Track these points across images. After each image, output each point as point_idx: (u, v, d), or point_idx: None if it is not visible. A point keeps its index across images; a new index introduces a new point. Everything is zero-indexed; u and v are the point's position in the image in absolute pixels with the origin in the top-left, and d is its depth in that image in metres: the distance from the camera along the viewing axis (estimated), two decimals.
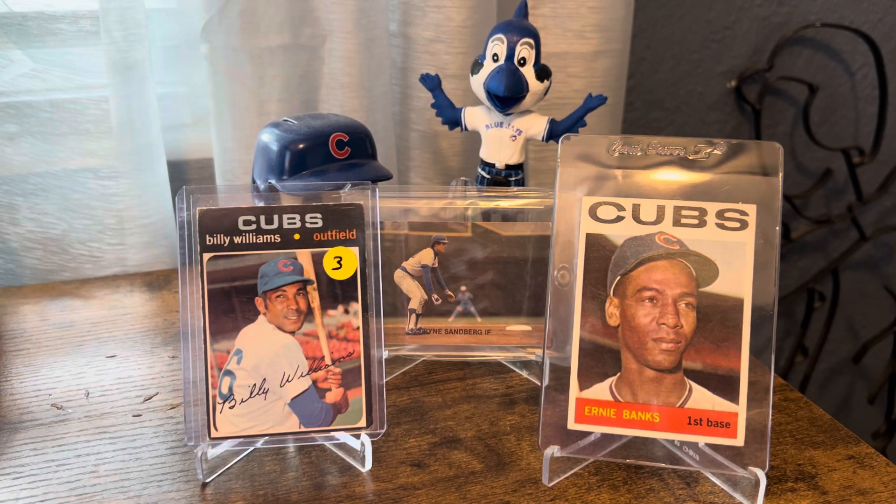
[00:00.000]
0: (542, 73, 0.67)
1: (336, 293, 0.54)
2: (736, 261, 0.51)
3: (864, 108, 1.21)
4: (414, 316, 0.64)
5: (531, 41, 0.66)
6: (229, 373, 0.52)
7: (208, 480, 0.53)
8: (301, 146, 0.63)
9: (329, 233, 0.53)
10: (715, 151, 0.53)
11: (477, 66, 0.68)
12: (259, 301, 0.53)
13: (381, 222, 0.56)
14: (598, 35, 0.87)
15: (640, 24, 1.03)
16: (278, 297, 0.53)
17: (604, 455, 0.54)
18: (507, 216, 0.65)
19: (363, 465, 0.54)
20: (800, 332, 1.31)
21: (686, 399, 0.51)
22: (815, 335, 1.32)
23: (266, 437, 0.54)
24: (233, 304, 0.53)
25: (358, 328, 0.54)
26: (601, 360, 0.52)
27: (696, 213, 0.52)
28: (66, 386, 0.63)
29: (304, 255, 0.53)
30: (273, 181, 0.63)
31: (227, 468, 0.54)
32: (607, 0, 0.86)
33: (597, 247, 0.53)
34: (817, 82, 1.14)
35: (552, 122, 0.69)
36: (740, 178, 0.52)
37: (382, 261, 0.56)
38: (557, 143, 0.55)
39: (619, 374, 0.52)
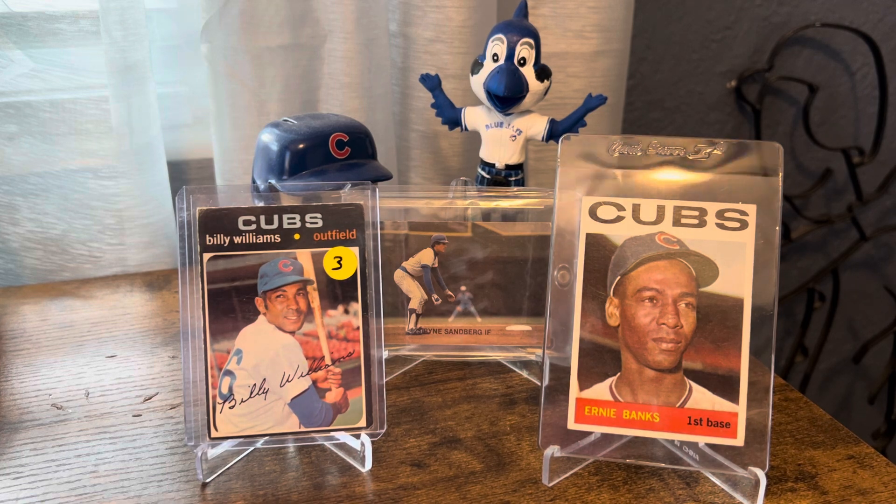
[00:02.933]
0: (542, 73, 0.67)
1: (336, 293, 0.54)
2: (736, 261, 0.51)
3: (864, 108, 1.21)
4: (414, 316, 0.64)
5: (531, 41, 0.66)
6: (229, 373, 0.52)
7: (208, 480, 0.53)
8: (301, 146, 0.63)
9: (329, 233, 0.53)
10: (715, 151, 0.53)
11: (477, 66, 0.68)
12: (259, 301, 0.53)
13: (381, 222, 0.56)
14: (598, 35, 0.87)
15: (640, 24, 1.03)
16: (278, 297, 0.53)
17: (604, 455, 0.54)
18: (507, 216, 0.65)
19: (363, 465, 0.54)
20: (800, 332, 1.31)
21: (686, 399, 0.51)
22: (815, 335, 1.32)
23: (266, 437, 0.54)
24: (233, 304, 0.52)
25: (358, 328, 0.54)
26: (601, 360, 0.52)
27: (696, 213, 0.52)
28: (66, 386, 0.63)
29: (304, 255, 0.53)
30: (273, 181, 0.63)
31: (227, 468, 0.54)
32: (607, 0, 0.86)
33: (597, 247, 0.53)
34: (817, 82, 1.14)
35: (552, 122, 0.69)
36: (740, 178, 0.52)
37: (382, 261, 0.56)
38: (557, 143, 0.55)
39: (619, 374, 0.52)
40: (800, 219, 1.22)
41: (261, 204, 0.55)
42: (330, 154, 0.64)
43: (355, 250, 0.54)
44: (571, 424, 0.52)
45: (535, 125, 0.69)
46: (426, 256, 0.64)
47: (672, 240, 0.52)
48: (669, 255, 0.52)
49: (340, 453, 0.56)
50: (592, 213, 0.53)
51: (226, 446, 0.54)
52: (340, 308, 0.54)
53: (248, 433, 0.53)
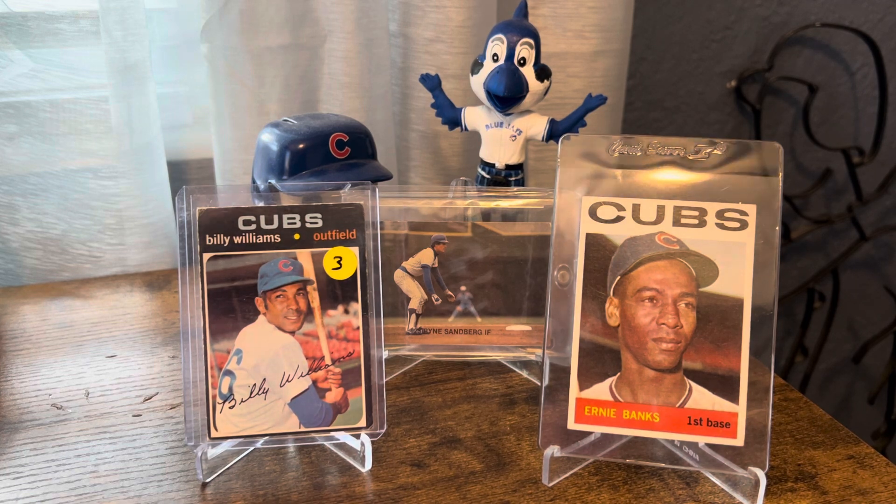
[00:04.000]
0: (542, 73, 0.67)
1: (336, 293, 0.54)
2: (736, 261, 0.51)
3: (864, 108, 1.21)
4: (414, 316, 0.64)
5: (531, 41, 0.66)
6: (229, 373, 0.52)
7: (208, 480, 0.53)
8: (301, 146, 0.63)
9: (329, 233, 0.53)
10: (715, 151, 0.53)
11: (477, 66, 0.68)
12: (259, 301, 0.53)
13: (381, 222, 0.56)
14: (598, 35, 0.87)
15: (640, 24, 1.03)
16: (278, 297, 0.53)
17: (604, 455, 0.54)
18: (507, 216, 0.65)
19: (363, 465, 0.54)
20: (800, 332, 1.31)
21: (686, 399, 0.51)
22: (815, 335, 1.32)
23: (266, 437, 0.54)
24: (233, 304, 0.52)
25: (358, 328, 0.54)
26: (601, 360, 0.52)
27: (696, 213, 0.52)
28: (66, 386, 0.63)
29: (304, 255, 0.53)
30: (273, 181, 0.63)
31: (227, 468, 0.54)
32: (607, 0, 0.86)
33: (597, 247, 0.53)
34: (817, 82, 1.14)
35: (552, 122, 0.69)
36: (740, 178, 0.52)
37: (382, 261, 0.56)
38: (557, 143, 0.55)
39: (619, 374, 0.52)
40: (800, 219, 1.22)
41: (261, 204, 0.55)
42: (330, 154, 0.64)
43: (355, 250, 0.54)
44: (571, 424, 0.52)
45: (535, 125, 0.69)
46: (426, 256, 0.64)
47: (672, 240, 0.52)
48: (669, 255, 0.52)
49: (340, 453, 0.56)
50: (592, 213, 0.53)
51: (226, 446, 0.54)
52: (340, 308, 0.54)
53: (248, 433, 0.53)
